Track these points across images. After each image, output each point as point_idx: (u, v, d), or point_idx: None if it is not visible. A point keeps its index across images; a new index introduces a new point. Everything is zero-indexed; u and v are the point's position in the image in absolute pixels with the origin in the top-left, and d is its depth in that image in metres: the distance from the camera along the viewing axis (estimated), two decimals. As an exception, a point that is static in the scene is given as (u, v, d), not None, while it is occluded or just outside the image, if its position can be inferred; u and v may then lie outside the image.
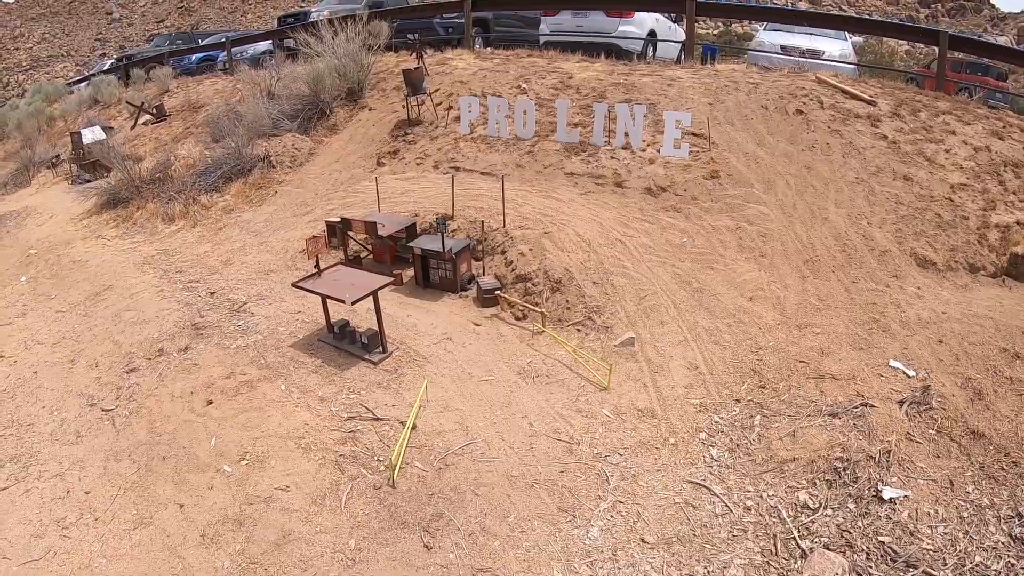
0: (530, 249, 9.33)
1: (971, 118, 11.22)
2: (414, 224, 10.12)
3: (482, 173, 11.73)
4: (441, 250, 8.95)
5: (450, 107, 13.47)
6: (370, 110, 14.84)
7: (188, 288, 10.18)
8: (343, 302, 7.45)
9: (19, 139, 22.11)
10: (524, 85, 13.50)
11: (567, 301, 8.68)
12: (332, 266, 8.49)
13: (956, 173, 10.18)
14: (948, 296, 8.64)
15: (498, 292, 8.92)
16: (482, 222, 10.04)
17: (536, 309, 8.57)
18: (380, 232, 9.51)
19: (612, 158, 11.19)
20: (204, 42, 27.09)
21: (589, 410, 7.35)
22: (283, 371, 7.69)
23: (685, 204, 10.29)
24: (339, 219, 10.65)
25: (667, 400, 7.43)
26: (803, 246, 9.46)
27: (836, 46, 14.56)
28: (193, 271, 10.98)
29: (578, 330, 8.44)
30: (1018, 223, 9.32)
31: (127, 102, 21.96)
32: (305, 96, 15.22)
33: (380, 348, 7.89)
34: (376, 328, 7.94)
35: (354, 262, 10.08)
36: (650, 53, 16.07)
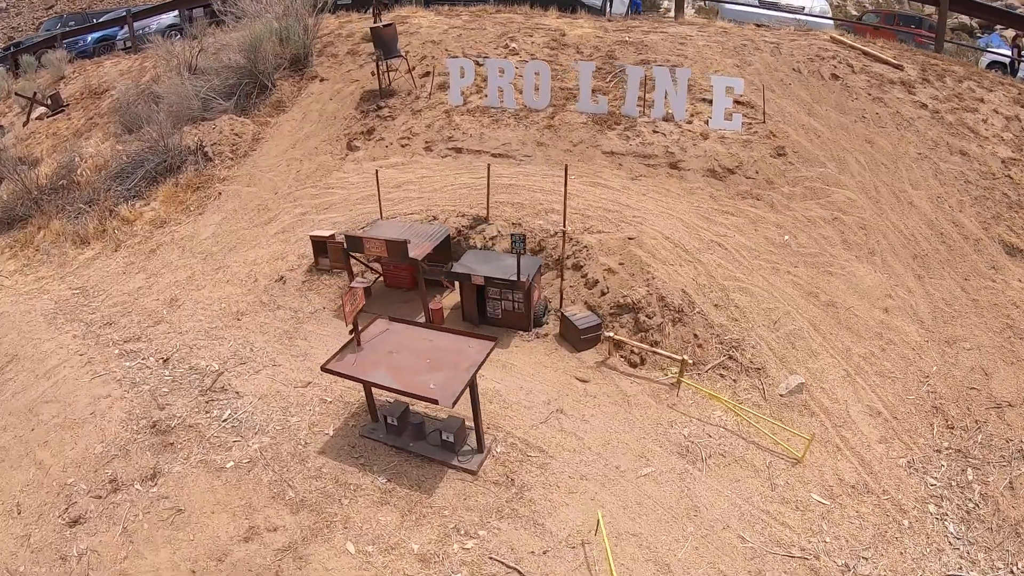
0: (620, 263, 6.19)
1: (989, 84, 9.75)
2: (447, 237, 6.52)
3: (495, 155, 8.23)
4: (515, 278, 5.49)
5: (427, 73, 9.60)
6: (321, 80, 10.60)
7: (127, 353, 6.46)
8: (435, 402, 3.91)
9: None
10: (513, 44, 9.83)
11: (695, 336, 5.67)
12: (371, 322, 4.90)
13: (1002, 146, 8.23)
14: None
15: (609, 335, 5.60)
16: (558, 233, 6.62)
17: (668, 354, 5.46)
18: (412, 254, 5.86)
19: (656, 132, 8.02)
20: (100, 20, 20.72)
21: (795, 498, 5.05)
22: (334, 510, 4.61)
23: (761, 189, 7.38)
24: (333, 234, 6.95)
25: (871, 465, 5.33)
26: (905, 239, 7.37)
27: (814, 1, 11.78)
28: (128, 321, 7.13)
29: (721, 375, 5.58)
30: None
31: (16, 94, 16.02)
32: (240, 68, 10.80)
33: (475, 446, 4.45)
34: (461, 415, 4.53)
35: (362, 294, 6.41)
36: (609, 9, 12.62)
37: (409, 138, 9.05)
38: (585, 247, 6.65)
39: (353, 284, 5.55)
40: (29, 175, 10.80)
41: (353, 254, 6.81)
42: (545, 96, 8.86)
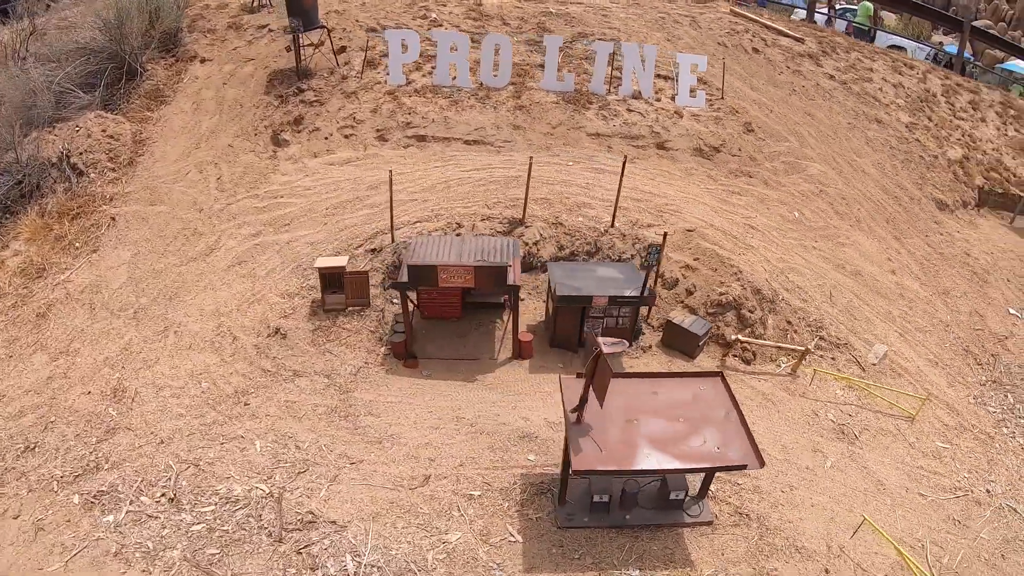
0: (695, 258, 5.54)
1: (870, 53, 10.24)
2: (519, 255, 5.31)
3: (469, 142, 7.04)
4: (637, 294, 4.59)
5: (343, 48, 7.81)
6: (203, 61, 8.19)
7: (98, 501, 4.42)
8: (742, 468, 3.19)
9: None
10: (433, 15, 8.36)
11: (788, 323, 5.28)
12: (568, 384, 3.82)
13: (901, 112, 9.00)
14: (976, 234, 7.86)
15: (737, 337, 4.97)
16: (608, 231, 5.81)
17: (791, 347, 5.40)
18: (512, 280, 4.63)
19: (631, 111, 7.43)
20: None
21: (929, 449, 5.05)
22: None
23: (748, 167, 7.31)
24: (345, 265, 5.30)
25: (955, 407, 5.53)
26: (875, 205, 7.94)
27: None
28: (60, 440, 5.12)
29: (820, 355, 5.08)
30: (965, 158, 8.69)
31: None
32: (99, 50, 7.84)
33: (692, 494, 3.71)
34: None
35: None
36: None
37: (353, 127, 7.25)
38: (652, 244, 5.77)
39: (605, 348, 3.68)
40: None
41: (415, 291, 5.16)
42: (506, 74, 7.64)
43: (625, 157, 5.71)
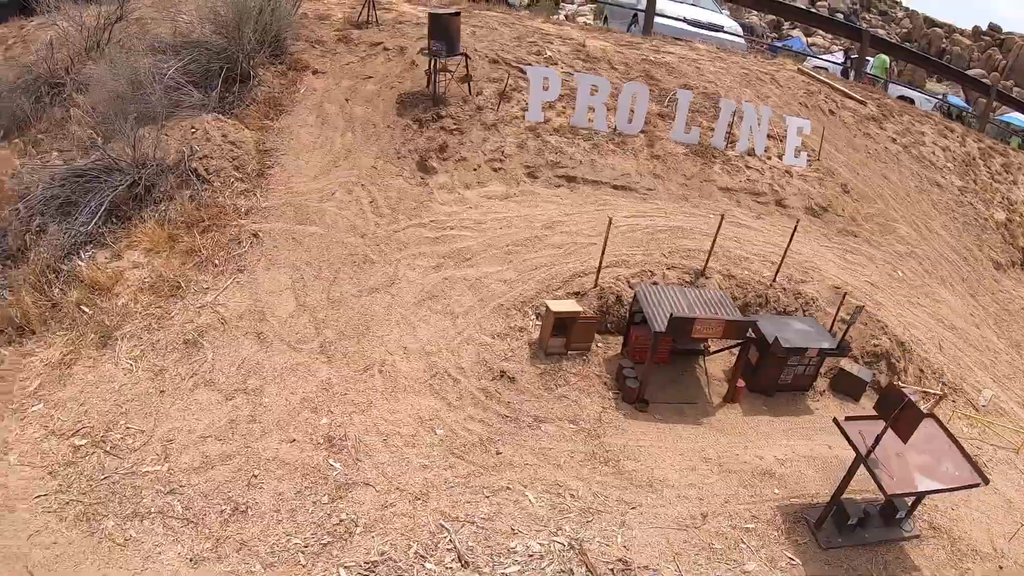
0: (848, 314, 6.24)
1: (918, 116, 11.50)
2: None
3: (616, 187, 7.54)
4: (833, 346, 5.19)
5: (469, 77, 7.97)
6: (315, 73, 8.14)
7: None
8: None
9: None
10: (549, 53, 8.73)
11: (920, 370, 6.16)
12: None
13: (954, 176, 10.24)
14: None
15: (898, 383, 5.84)
16: (773, 284, 6.37)
17: (934, 392, 6.35)
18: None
19: (749, 167, 8.10)
20: None
21: None
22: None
23: (852, 226, 8.31)
24: (580, 310, 5.63)
25: None
26: (951, 265, 9.08)
27: (725, 19, 12.57)
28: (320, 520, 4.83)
29: (941, 396, 6.01)
30: (1008, 220, 9.99)
31: None
32: (211, 47, 7.55)
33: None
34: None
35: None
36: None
37: (501, 160, 7.45)
38: (811, 300, 6.38)
39: (913, 397, 4.49)
40: None
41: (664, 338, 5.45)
42: (639, 121, 8.06)
43: (797, 223, 6.30)
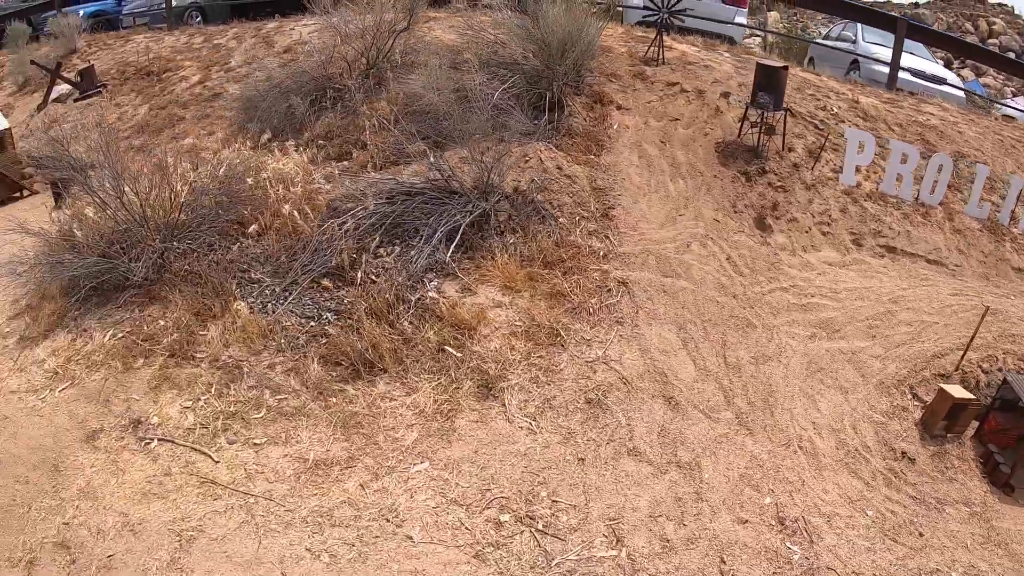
0: None
1: None
2: None
3: (929, 260, 7.38)
4: None
5: (772, 129, 7.98)
6: (620, 109, 8.07)
7: None
8: None
9: None
10: (835, 109, 8.73)
11: None
12: None
13: None
14: None
15: None
16: None
17: None
18: None
19: (1035, 250, 8.07)
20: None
21: None
22: None
23: None
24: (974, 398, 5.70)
25: None
26: None
27: (944, 70, 12.57)
28: None
29: None
30: None
31: (34, 63, 11.32)
32: (527, 70, 7.37)
33: None
34: None
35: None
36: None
37: (828, 224, 7.47)
38: None
39: None
40: (142, 190, 6.19)
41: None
42: (940, 192, 8.10)
43: None
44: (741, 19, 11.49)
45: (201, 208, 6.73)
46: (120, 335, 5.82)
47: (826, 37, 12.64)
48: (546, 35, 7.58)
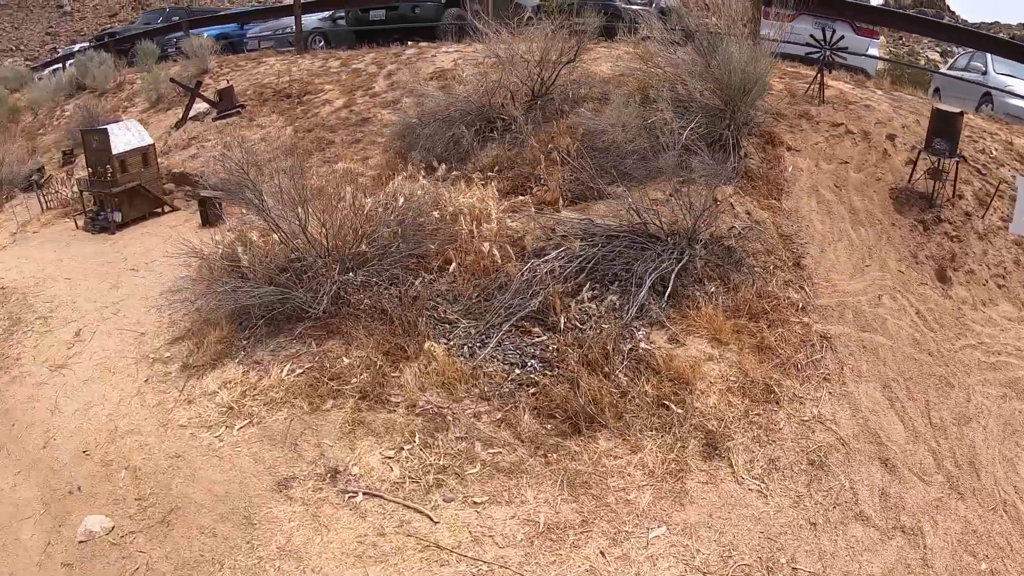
0: None
1: None
2: None
3: None
4: None
5: (956, 179, 8.04)
6: (790, 150, 8.11)
7: None
8: None
9: (-37, 137, 12.24)
10: (995, 152, 8.74)
11: None
12: None
13: None
14: None
15: None
16: None
17: None
18: None
19: None
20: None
21: None
22: None
23: None
24: None
25: None
26: None
27: None
28: None
29: None
30: None
31: (172, 80, 11.74)
32: (707, 108, 7.44)
33: None
34: None
35: None
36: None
37: (1003, 276, 7.54)
38: None
39: None
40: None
41: None
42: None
43: None
44: (874, 50, 11.44)
45: (382, 239, 6.89)
46: (300, 371, 5.84)
47: (951, 67, 12.55)
48: (726, 73, 7.65)
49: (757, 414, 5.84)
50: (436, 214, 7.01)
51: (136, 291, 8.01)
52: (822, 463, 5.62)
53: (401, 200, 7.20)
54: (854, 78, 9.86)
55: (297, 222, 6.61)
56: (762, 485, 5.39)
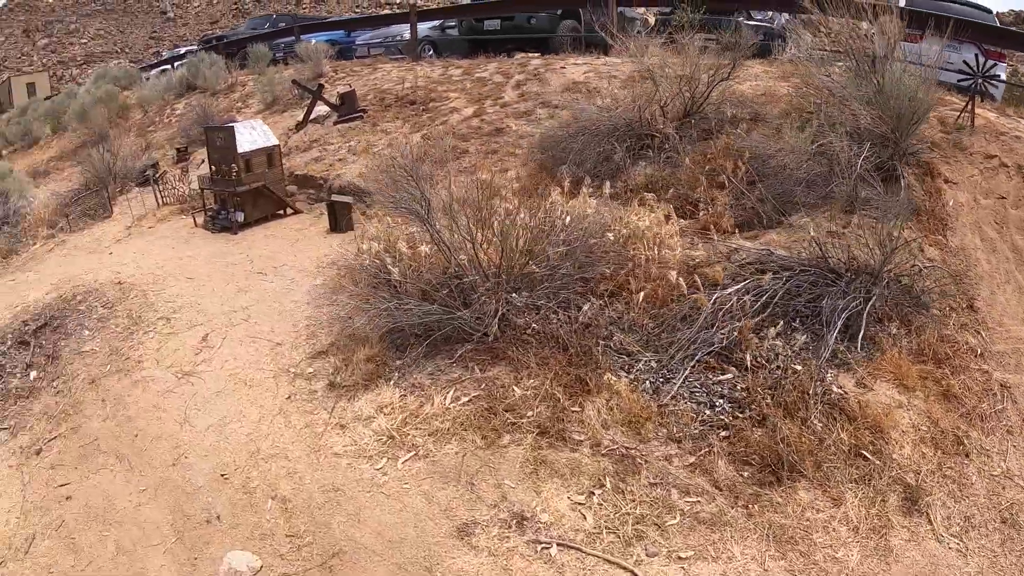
0: None
1: None
2: None
3: None
4: None
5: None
6: (947, 182, 7.98)
7: None
8: None
9: (82, 133, 13.34)
10: None
11: None
12: None
13: None
14: None
15: None
16: None
17: None
18: None
19: None
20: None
21: None
22: None
23: None
24: None
25: None
26: None
27: None
28: None
29: None
30: None
31: (295, 83, 11.87)
32: (872, 136, 7.39)
33: None
34: None
35: None
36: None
37: None
38: None
39: None
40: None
41: None
42: None
43: None
44: (1001, 73, 11.28)
45: (551, 260, 6.72)
46: (466, 399, 5.50)
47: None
48: (895, 101, 7.52)
49: (949, 467, 5.70)
50: (611, 236, 6.87)
51: (265, 296, 7.82)
52: (1013, 522, 5.42)
53: (568, 218, 7.06)
54: (999, 107, 9.73)
55: (468, 237, 6.44)
56: (960, 544, 5.27)
